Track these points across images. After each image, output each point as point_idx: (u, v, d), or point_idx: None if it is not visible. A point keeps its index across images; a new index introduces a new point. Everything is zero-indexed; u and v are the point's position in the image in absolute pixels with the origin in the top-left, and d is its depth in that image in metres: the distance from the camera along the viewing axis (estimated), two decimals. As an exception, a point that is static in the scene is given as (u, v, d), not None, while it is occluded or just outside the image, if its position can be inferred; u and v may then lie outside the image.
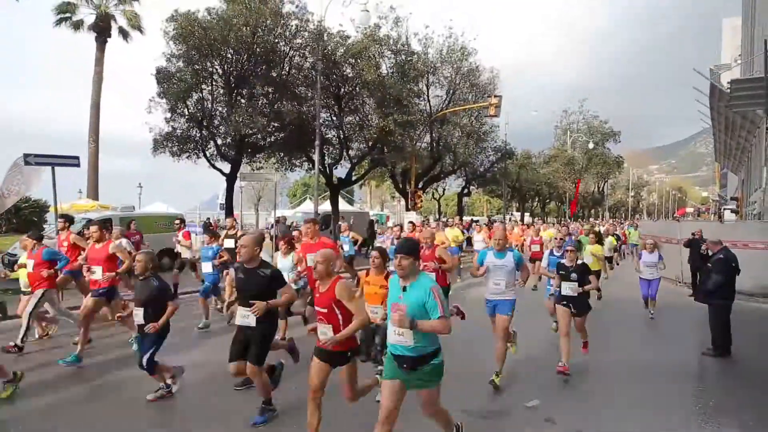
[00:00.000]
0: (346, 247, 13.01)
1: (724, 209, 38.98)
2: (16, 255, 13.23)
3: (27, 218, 27.47)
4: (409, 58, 22.53)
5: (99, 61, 22.91)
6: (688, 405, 5.27)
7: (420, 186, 26.67)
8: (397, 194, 33.70)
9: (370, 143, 22.30)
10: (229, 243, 9.50)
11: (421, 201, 26.21)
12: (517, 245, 15.91)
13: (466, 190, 36.34)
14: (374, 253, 5.01)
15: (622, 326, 9.09)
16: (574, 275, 6.21)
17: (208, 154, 19.21)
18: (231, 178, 19.41)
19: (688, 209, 79.12)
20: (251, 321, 4.34)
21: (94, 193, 22.65)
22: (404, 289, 3.52)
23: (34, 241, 6.74)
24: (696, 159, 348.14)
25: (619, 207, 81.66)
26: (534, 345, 7.57)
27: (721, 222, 26.21)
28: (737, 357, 6.97)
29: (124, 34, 23.57)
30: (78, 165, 11.00)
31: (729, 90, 16.55)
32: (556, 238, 8.23)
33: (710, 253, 7.58)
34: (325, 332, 3.91)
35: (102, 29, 22.81)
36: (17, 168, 10.71)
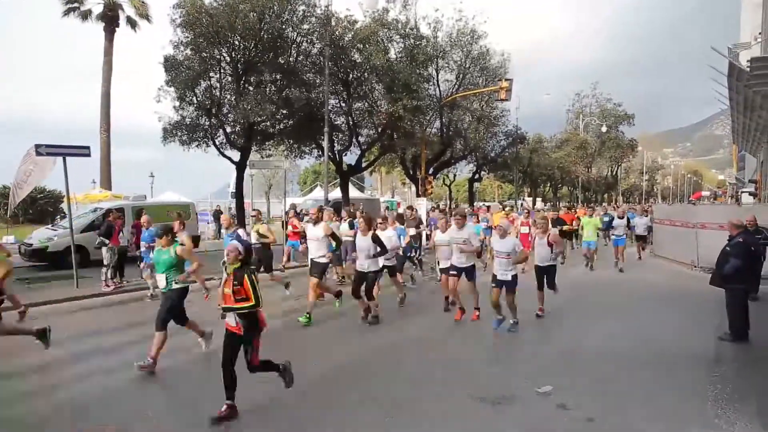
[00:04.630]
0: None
1: (742, 192, 38.22)
2: (32, 244, 13.47)
3: (43, 209, 27.91)
4: (418, 43, 22.19)
5: (108, 51, 22.98)
6: (704, 390, 5.17)
7: (430, 172, 26.48)
8: (407, 180, 33.55)
9: (380, 129, 22.14)
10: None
11: (432, 187, 26.05)
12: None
13: (477, 176, 36.05)
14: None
15: (636, 311, 8.98)
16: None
17: (217, 143, 19.21)
18: (241, 166, 19.43)
19: (704, 192, 77.84)
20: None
21: (107, 183, 22.90)
22: None
23: None
24: (712, 141, 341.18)
25: (633, 191, 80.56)
26: (549, 330, 7.52)
27: (738, 205, 25.71)
28: (754, 342, 6.84)
29: (132, 23, 23.58)
30: (89, 155, 11.09)
31: (748, 68, 16.05)
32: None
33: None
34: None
35: (110, 19, 22.84)
36: (30, 158, 10.82)
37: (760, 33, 22.60)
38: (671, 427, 4.36)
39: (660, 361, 6.07)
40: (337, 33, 18.95)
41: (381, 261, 7.83)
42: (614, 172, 64.96)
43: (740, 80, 17.78)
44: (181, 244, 5.91)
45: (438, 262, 9.71)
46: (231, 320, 4.40)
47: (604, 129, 53.53)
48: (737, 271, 6.87)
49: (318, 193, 31.65)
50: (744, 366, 6.06)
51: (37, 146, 10.20)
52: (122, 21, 23.31)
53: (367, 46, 19.49)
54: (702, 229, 13.46)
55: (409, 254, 11.27)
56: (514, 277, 7.18)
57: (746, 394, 5.07)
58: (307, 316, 7.62)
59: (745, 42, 23.84)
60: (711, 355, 6.42)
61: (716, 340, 6.93)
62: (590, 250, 13.95)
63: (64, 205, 17.24)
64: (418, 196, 25.00)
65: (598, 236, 15.00)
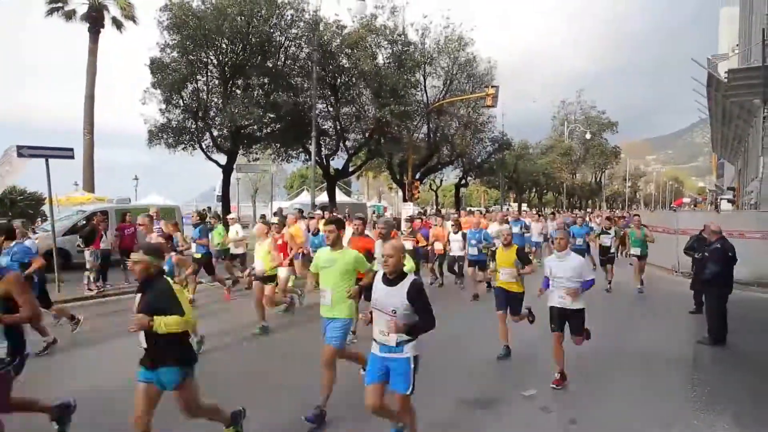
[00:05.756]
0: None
1: (721, 199, 39.17)
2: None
3: (23, 211, 27.27)
4: (405, 48, 22.37)
5: (92, 52, 22.69)
6: (684, 393, 5.29)
7: (417, 177, 26.63)
8: (394, 185, 33.69)
9: (367, 134, 22.22)
10: None
11: (419, 192, 26.19)
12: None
13: (463, 181, 36.33)
14: None
15: (617, 315, 9.13)
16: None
17: (204, 146, 19.10)
18: (227, 170, 19.33)
19: (685, 199, 79.31)
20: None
21: (89, 185, 22.54)
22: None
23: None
24: (693, 149, 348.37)
25: (616, 197, 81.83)
26: (532, 335, 7.60)
27: (717, 212, 26.31)
28: (732, 345, 7.00)
29: (117, 24, 23.34)
30: (72, 157, 10.95)
31: (726, 80, 16.51)
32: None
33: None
34: None
35: (95, 19, 22.58)
36: (7, 158, 10.63)
37: (737, 44, 23.22)
38: (652, 428, 4.46)
39: (641, 365, 6.19)
40: (325, 38, 19.03)
41: None
42: (598, 179, 65.96)
43: (719, 90, 18.25)
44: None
45: None
46: None
47: (588, 136, 54.41)
48: (716, 276, 7.05)
49: (305, 197, 31.57)
50: (722, 369, 6.20)
51: (19, 147, 10.04)
52: (107, 22, 23.06)
53: (355, 51, 19.60)
54: (683, 235, 13.75)
55: None
56: None
57: (724, 396, 5.20)
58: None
59: (724, 53, 24.48)
60: (690, 358, 6.57)
61: (695, 344, 7.08)
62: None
63: (45, 208, 16.97)
64: (404, 200, 25.11)
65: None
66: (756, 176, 22.25)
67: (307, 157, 21.34)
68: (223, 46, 17.71)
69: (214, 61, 18.15)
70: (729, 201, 35.11)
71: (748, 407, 4.91)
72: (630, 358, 6.43)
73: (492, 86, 22.68)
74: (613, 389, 5.39)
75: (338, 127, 21.94)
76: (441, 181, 41.37)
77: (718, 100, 20.48)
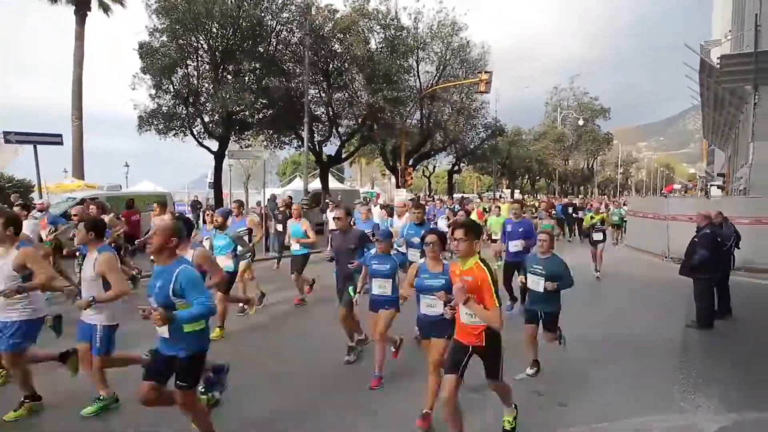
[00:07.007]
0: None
1: (711, 185, 39.54)
2: None
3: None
4: (398, 33, 22.17)
5: (79, 36, 22.23)
6: (672, 376, 5.38)
7: (410, 163, 26.60)
8: (387, 171, 33.63)
9: (360, 120, 22.09)
10: None
11: (411, 178, 26.18)
12: None
13: (456, 168, 36.32)
14: None
15: (608, 300, 9.25)
16: None
17: (195, 132, 18.91)
18: (219, 156, 19.18)
19: (675, 186, 79.91)
20: None
21: (79, 172, 22.26)
22: None
23: None
24: (685, 136, 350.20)
25: (608, 184, 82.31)
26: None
27: (707, 198, 26.54)
28: (720, 330, 7.13)
29: (104, 7, 22.86)
30: (61, 143, 10.86)
31: (719, 65, 16.54)
32: None
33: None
34: None
35: (80, 2, 22.09)
36: (-4, 145, 10.49)
37: (730, 30, 23.20)
38: (639, 411, 4.54)
39: (630, 349, 6.28)
40: (317, 22, 18.79)
41: None
42: (590, 165, 66.25)
43: (711, 77, 18.28)
44: None
45: None
46: None
47: (581, 122, 54.51)
48: (704, 261, 7.14)
49: (297, 183, 31.43)
50: (709, 353, 6.32)
51: (6, 133, 9.91)
52: (94, 5, 22.58)
53: (347, 36, 19.39)
54: (673, 221, 13.90)
55: None
56: None
57: (711, 379, 5.30)
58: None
59: (717, 39, 24.49)
60: (678, 342, 6.68)
61: (684, 328, 7.20)
62: None
63: (35, 195, 16.76)
64: (397, 187, 25.10)
65: None
66: (746, 162, 22.42)
67: (300, 143, 21.20)
68: (214, 30, 17.44)
69: (205, 46, 17.88)
70: (719, 187, 35.46)
71: (734, 390, 5.01)
72: (619, 343, 6.52)
73: (485, 72, 22.57)
74: (603, 373, 5.47)
75: (331, 113, 21.78)
76: (434, 167, 41.34)
77: (710, 86, 20.53)
